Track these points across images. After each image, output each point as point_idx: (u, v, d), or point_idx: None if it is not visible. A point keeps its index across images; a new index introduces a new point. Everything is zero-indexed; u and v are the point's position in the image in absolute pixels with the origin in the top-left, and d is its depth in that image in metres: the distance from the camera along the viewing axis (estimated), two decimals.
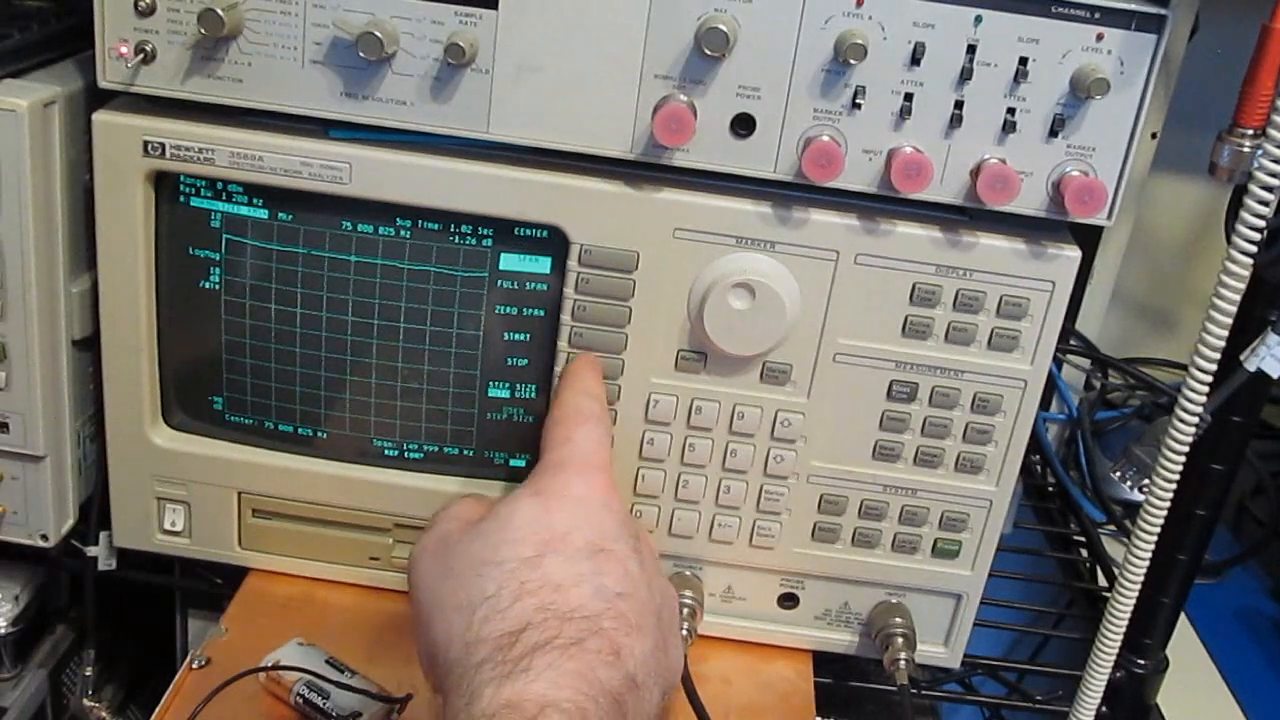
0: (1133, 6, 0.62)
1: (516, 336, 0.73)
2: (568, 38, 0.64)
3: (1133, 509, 0.91)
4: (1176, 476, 0.65)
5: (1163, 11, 0.62)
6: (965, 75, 0.63)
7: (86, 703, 0.87)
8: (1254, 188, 0.58)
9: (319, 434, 0.76)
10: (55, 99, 0.68)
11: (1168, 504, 0.66)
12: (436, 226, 0.70)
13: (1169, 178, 1.06)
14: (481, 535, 0.59)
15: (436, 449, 0.76)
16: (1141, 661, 0.81)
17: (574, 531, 0.58)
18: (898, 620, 0.76)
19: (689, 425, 0.72)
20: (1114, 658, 0.71)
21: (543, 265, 0.71)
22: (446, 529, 0.61)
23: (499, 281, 0.71)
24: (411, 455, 0.77)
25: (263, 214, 0.70)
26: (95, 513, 0.80)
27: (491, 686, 0.52)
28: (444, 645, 0.56)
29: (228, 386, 0.75)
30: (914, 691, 0.75)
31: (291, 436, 0.76)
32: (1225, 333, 0.61)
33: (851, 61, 0.63)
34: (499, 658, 0.53)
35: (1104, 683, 0.72)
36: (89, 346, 0.75)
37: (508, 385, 0.74)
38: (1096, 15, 0.62)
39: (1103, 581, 0.94)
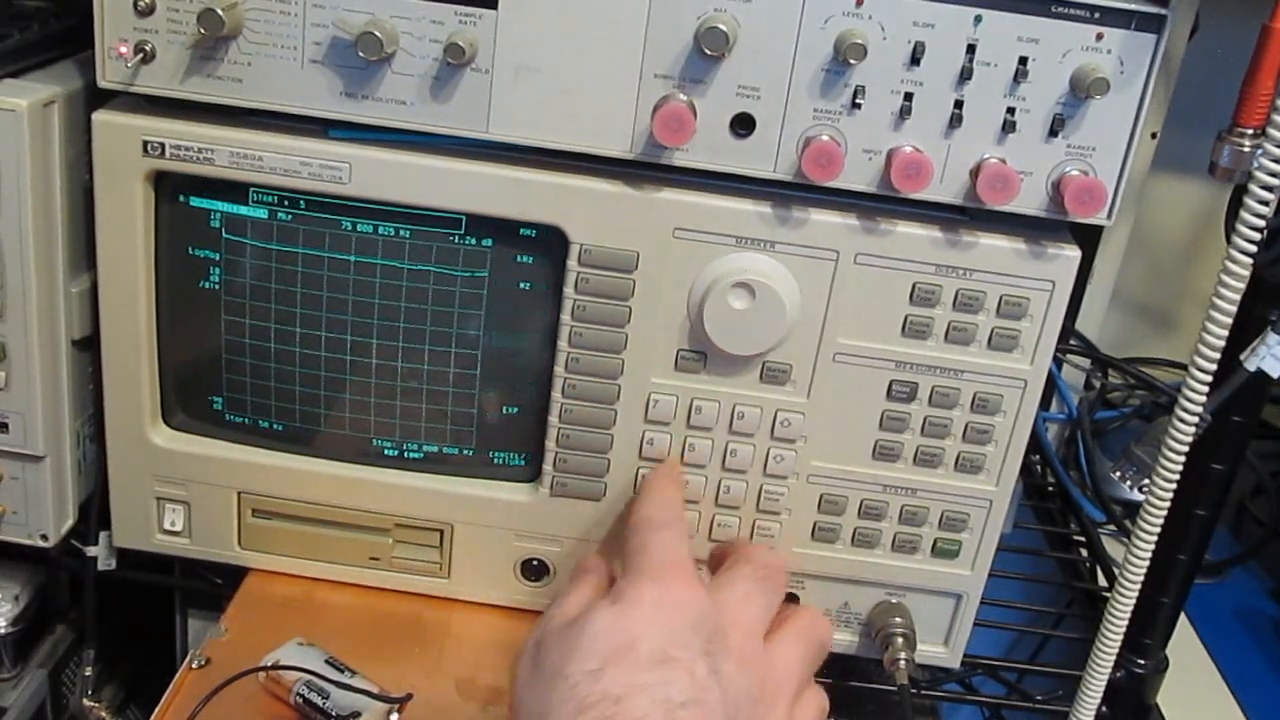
0: (1133, 6, 0.62)
1: (516, 336, 0.73)
2: (568, 38, 0.64)
3: (1133, 509, 0.91)
4: (1176, 476, 0.65)
5: (1163, 11, 0.62)
6: (965, 75, 0.63)
7: (86, 703, 0.87)
8: (1254, 188, 0.58)
9: (319, 434, 0.76)
10: (55, 99, 0.68)
11: (1168, 504, 0.66)
12: (436, 226, 0.70)
13: (1169, 178, 1.06)
14: (561, 643, 0.60)
15: (436, 449, 0.76)
16: (1141, 661, 0.81)
17: (640, 641, 0.58)
18: (898, 620, 0.76)
19: (689, 425, 0.72)
20: (1114, 658, 0.71)
21: (543, 265, 0.71)
22: (546, 628, 0.62)
23: (499, 281, 0.71)
24: (411, 455, 0.77)
25: (262, 214, 0.70)
26: (95, 513, 0.80)
27: None
28: None
29: (227, 386, 0.75)
30: (914, 691, 0.75)
31: (291, 436, 0.76)
32: (1225, 333, 0.61)
33: (851, 61, 0.63)
34: None
35: (1104, 683, 0.72)
36: (89, 346, 0.75)
37: (508, 385, 0.74)
38: (1096, 15, 0.62)
39: (1103, 581, 0.94)
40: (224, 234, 0.71)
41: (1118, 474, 0.83)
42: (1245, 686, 0.92)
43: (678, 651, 0.58)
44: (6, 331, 0.71)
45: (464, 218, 0.70)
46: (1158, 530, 0.67)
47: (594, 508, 0.75)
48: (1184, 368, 0.65)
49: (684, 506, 0.72)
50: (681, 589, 0.62)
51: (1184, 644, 0.91)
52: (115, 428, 0.76)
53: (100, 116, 0.68)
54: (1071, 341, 1.06)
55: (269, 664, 0.71)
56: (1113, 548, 0.98)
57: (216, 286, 0.72)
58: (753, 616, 0.64)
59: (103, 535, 0.80)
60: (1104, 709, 0.76)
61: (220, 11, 0.63)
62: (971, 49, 0.63)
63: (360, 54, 0.64)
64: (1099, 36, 0.62)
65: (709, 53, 0.63)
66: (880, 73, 0.64)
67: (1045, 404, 1.06)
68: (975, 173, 0.65)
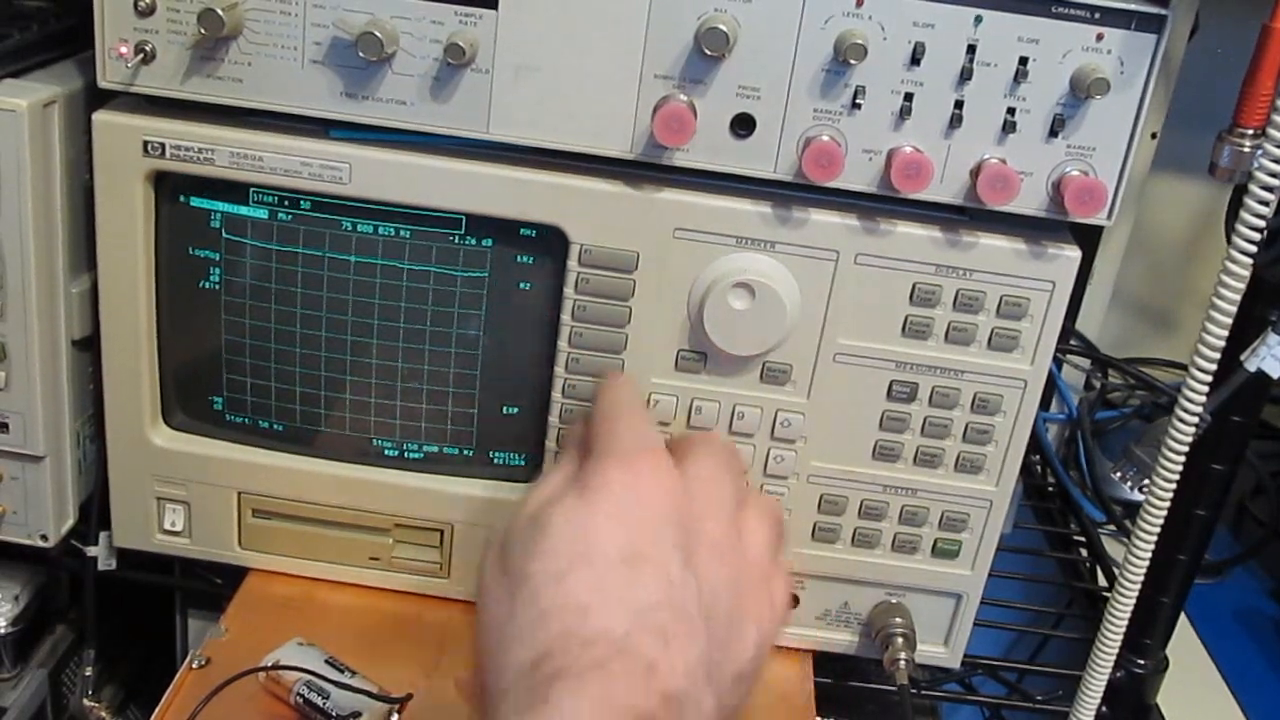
0: (1133, 6, 0.62)
1: (516, 336, 0.73)
2: (568, 38, 0.64)
3: (1133, 509, 0.91)
4: (1176, 476, 0.65)
5: (1163, 11, 0.62)
6: (965, 75, 0.63)
7: (86, 703, 0.87)
8: (1254, 188, 0.58)
9: (319, 434, 0.76)
10: (55, 99, 0.68)
11: (1168, 504, 0.66)
12: (436, 226, 0.70)
13: (1169, 178, 1.06)
14: (526, 539, 0.55)
15: (436, 449, 0.76)
16: (1141, 661, 0.81)
17: (609, 538, 0.54)
18: (898, 620, 0.76)
19: (689, 425, 0.72)
20: (1114, 658, 0.71)
21: (543, 265, 0.71)
22: (513, 521, 0.58)
23: (499, 281, 0.71)
24: (411, 455, 0.77)
25: (263, 214, 0.70)
26: (95, 513, 0.80)
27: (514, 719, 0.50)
28: (482, 667, 0.54)
29: (227, 386, 0.75)
30: (914, 691, 0.75)
31: (291, 436, 0.76)
32: (1225, 333, 0.61)
33: (851, 61, 0.63)
34: (521, 685, 0.50)
35: (1104, 683, 0.72)
36: (89, 346, 0.75)
37: (508, 385, 0.74)
38: (1096, 15, 0.62)
39: (1103, 581, 0.94)
40: (224, 234, 0.71)
41: (1118, 474, 0.83)
42: (1245, 686, 0.92)
43: (648, 548, 0.54)
44: (6, 331, 0.71)
45: (464, 218, 0.70)
46: (1158, 530, 0.67)
47: None
48: (1184, 368, 0.65)
49: (645, 402, 0.67)
50: (652, 474, 0.57)
51: (1184, 644, 0.91)
52: (115, 428, 0.76)
53: (100, 116, 0.68)
54: (1071, 341, 1.06)
55: (269, 664, 0.71)
56: (1113, 548, 0.98)
57: (216, 286, 0.72)
58: (724, 496, 0.60)
59: (103, 535, 0.80)
60: (1104, 709, 0.76)
61: (220, 11, 0.63)
62: (972, 49, 0.63)
63: (360, 54, 0.64)
64: (1099, 37, 0.62)
65: (709, 53, 0.63)
66: (880, 73, 0.64)
67: (1045, 404, 1.06)
68: (975, 173, 0.65)
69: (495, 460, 0.76)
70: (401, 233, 0.70)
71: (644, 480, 0.57)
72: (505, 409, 0.75)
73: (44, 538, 0.78)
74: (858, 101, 0.64)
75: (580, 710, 0.49)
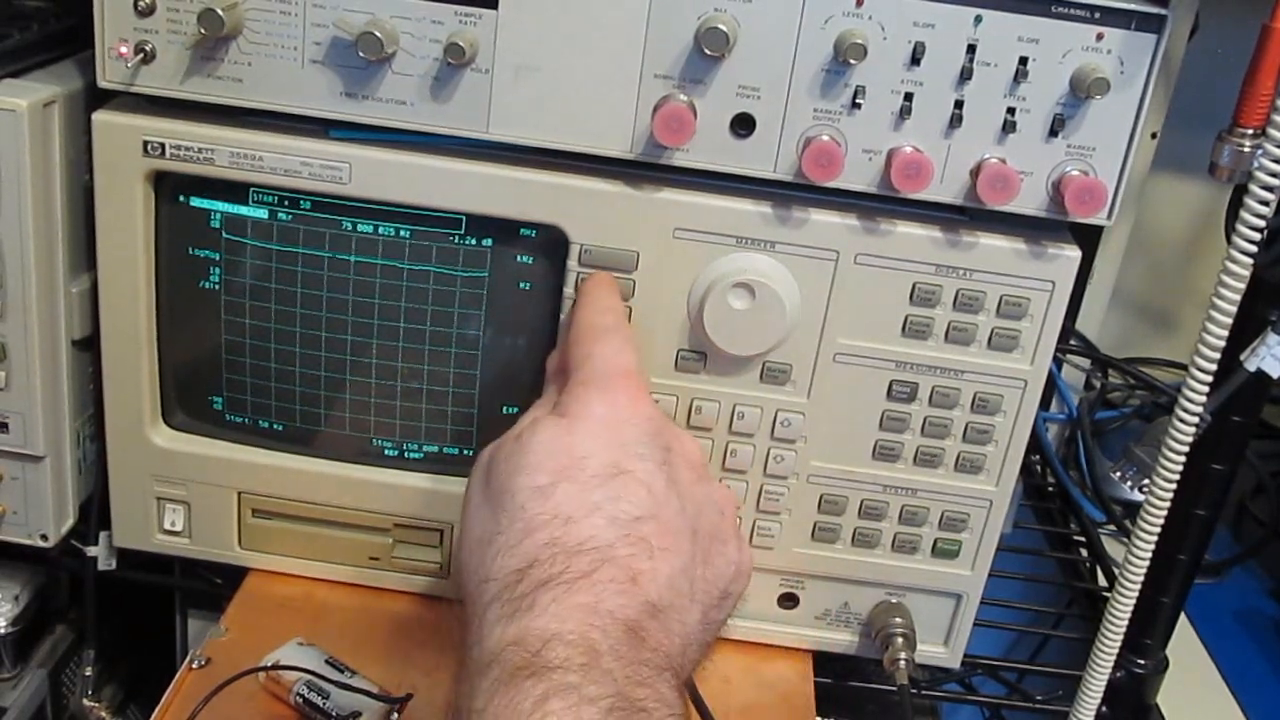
0: (1133, 6, 0.62)
1: (516, 337, 0.73)
2: (568, 38, 0.64)
3: (1133, 509, 0.91)
4: (1176, 476, 0.65)
5: (1163, 11, 0.62)
6: (965, 75, 0.63)
7: (86, 703, 0.87)
8: (1254, 188, 0.58)
9: (319, 434, 0.76)
10: (55, 99, 0.68)
11: (1168, 504, 0.66)
12: (436, 226, 0.70)
13: (1169, 178, 1.06)
14: (510, 459, 0.57)
15: (436, 449, 0.76)
16: (1141, 661, 0.81)
17: (591, 455, 0.55)
18: (898, 620, 0.76)
19: (689, 425, 0.72)
20: (1114, 658, 0.71)
21: (543, 265, 0.71)
22: (499, 442, 0.59)
23: (499, 281, 0.71)
24: (411, 455, 0.77)
25: (263, 214, 0.70)
26: (95, 513, 0.80)
27: (499, 627, 0.51)
28: (464, 576, 0.55)
29: (228, 386, 0.75)
30: (914, 691, 0.75)
31: (292, 436, 0.76)
32: (1225, 333, 0.61)
33: (851, 61, 0.63)
34: (506, 596, 0.51)
35: (1104, 683, 0.72)
36: (89, 346, 0.75)
37: (508, 385, 0.74)
38: (1096, 15, 0.62)
39: (1103, 581, 0.94)
40: (224, 234, 0.71)
41: (1118, 474, 0.83)
42: (1245, 686, 0.92)
43: (631, 464, 0.56)
44: (6, 331, 0.71)
45: (464, 218, 0.70)
46: (1158, 530, 0.67)
47: None
48: (1184, 368, 0.65)
49: (625, 312, 0.68)
50: (631, 399, 0.59)
51: (1184, 644, 0.91)
52: (115, 428, 0.76)
53: (100, 116, 0.68)
54: (1071, 341, 1.06)
55: (269, 664, 0.71)
56: (1113, 548, 0.98)
57: (216, 286, 0.72)
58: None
59: (103, 535, 0.80)
60: (1104, 709, 0.76)
61: (220, 11, 0.63)
62: (972, 49, 0.63)
63: (360, 54, 0.64)
64: (1099, 36, 0.62)
65: (709, 53, 0.63)
66: (880, 73, 0.64)
67: (1045, 404, 1.06)
68: (975, 173, 0.65)
69: None
70: (401, 233, 0.70)
71: (622, 404, 0.58)
72: (505, 409, 0.75)
73: (44, 538, 0.78)
74: (858, 101, 0.64)
75: (566, 616, 0.50)
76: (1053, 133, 0.64)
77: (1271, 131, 0.57)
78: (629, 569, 0.52)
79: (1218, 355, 0.62)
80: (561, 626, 0.50)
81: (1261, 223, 0.59)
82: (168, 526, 0.79)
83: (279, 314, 0.72)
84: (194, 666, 0.73)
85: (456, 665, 0.53)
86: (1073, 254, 0.68)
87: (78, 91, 0.70)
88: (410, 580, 0.80)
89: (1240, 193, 0.60)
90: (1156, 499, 0.66)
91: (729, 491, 0.62)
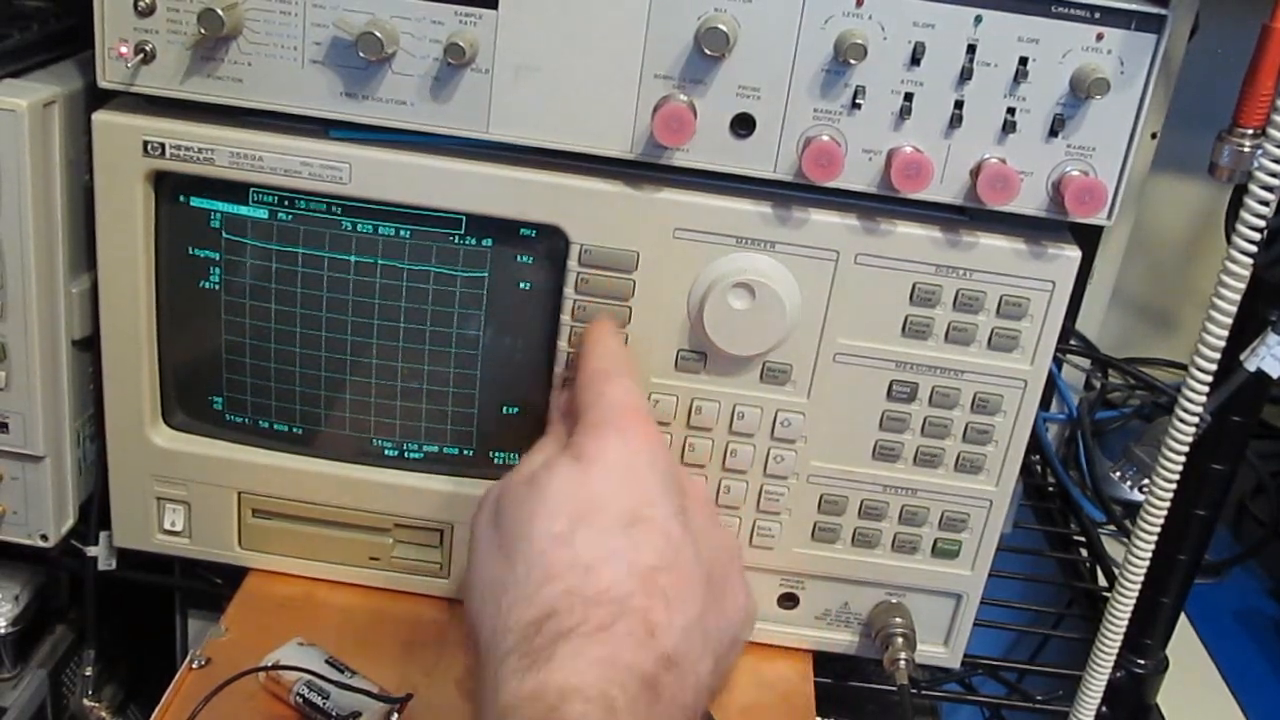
0: (1133, 6, 0.62)
1: (516, 337, 0.73)
2: (568, 38, 0.64)
3: (1133, 509, 0.91)
4: (1176, 476, 0.65)
5: (1163, 11, 0.62)
6: (965, 75, 0.63)
7: (86, 703, 0.87)
8: (1254, 188, 0.58)
9: (319, 434, 0.76)
10: (55, 99, 0.68)
11: (1168, 504, 0.66)
12: (436, 226, 0.70)
13: (1169, 178, 1.06)
14: (525, 502, 0.56)
15: (436, 449, 0.76)
16: (1141, 661, 0.81)
17: (609, 501, 0.55)
18: (898, 620, 0.76)
19: (689, 425, 0.72)
20: (1114, 658, 0.71)
21: (543, 265, 0.71)
22: (508, 484, 0.58)
23: (499, 281, 0.71)
24: (411, 455, 0.77)
25: (262, 214, 0.70)
26: (95, 513, 0.80)
27: (516, 678, 0.50)
28: (477, 627, 0.54)
29: (228, 386, 0.75)
30: (914, 691, 0.75)
31: (292, 436, 0.76)
32: (1225, 333, 0.61)
33: (851, 61, 0.63)
34: (524, 648, 0.51)
35: (1104, 683, 0.72)
36: (89, 346, 0.75)
37: (508, 385, 0.74)
38: (1096, 15, 0.62)
39: (1103, 581, 0.94)
40: (224, 234, 0.71)
41: (1118, 474, 0.83)
42: (1245, 686, 0.92)
43: (649, 510, 0.55)
44: (6, 331, 0.71)
45: (464, 218, 0.70)
46: (1158, 530, 0.67)
47: None
48: (1184, 368, 0.65)
49: (630, 356, 0.67)
50: (646, 441, 0.58)
51: (1184, 644, 0.91)
52: (115, 428, 0.76)
53: (100, 116, 0.68)
54: (1071, 341, 1.06)
55: (269, 664, 0.71)
56: (1113, 548, 0.98)
57: (216, 286, 0.72)
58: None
59: (103, 535, 0.80)
60: (1104, 709, 0.76)
61: (220, 11, 0.63)
62: (972, 49, 0.63)
63: (360, 54, 0.64)
64: (1099, 37, 0.62)
65: (709, 53, 0.63)
66: (880, 73, 0.64)
67: (1045, 404, 1.06)
68: (975, 173, 0.65)
69: (495, 460, 0.76)
70: (401, 233, 0.70)
71: (637, 446, 0.58)
72: (505, 409, 0.75)
73: (44, 538, 0.78)
74: (858, 101, 0.64)
75: (584, 670, 0.50)
76: (1053, 133, 0.64)
77: (1271, 131, 0.57)
78: (646, 621, 0.52)
79: (1218, 355, 0.62)
80: (580, 681, 0.49)
81: (1261, 223, 0.59)
82: (168, 526, 0.79)
83: (279, 314, 0.72)
84: (194, 666, 0.73)
85: (469, 716, 0.53)
86: (1073, 254, 0.68)
87: (78, 91, 0.70)
88: (410, 580, 0.80)
89: (1240, 193, 0.60)
90: (1156, 499, 0.66)
91: (735, 536, 0.61)
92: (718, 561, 0.58)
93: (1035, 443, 0.96)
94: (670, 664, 0.52)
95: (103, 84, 0.67)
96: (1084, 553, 0.98)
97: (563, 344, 0.71)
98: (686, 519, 0.56)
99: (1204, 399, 0.63)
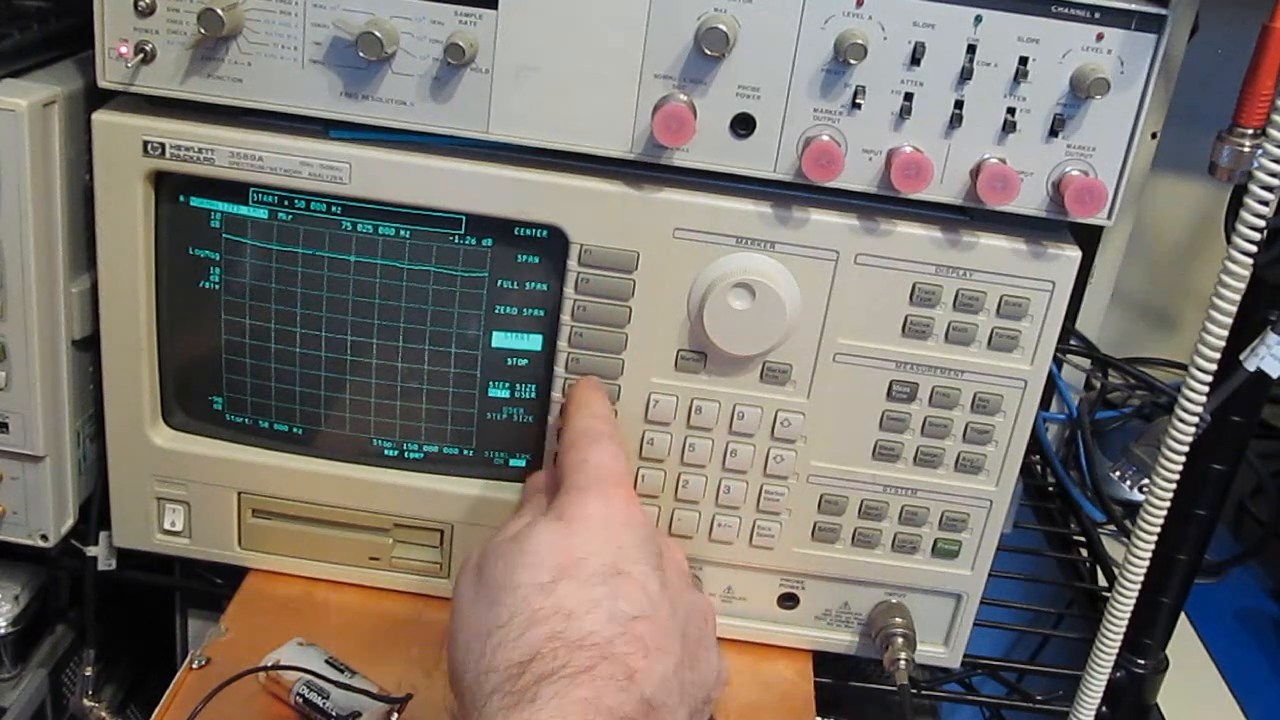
0: (1133, 6, 0.62)
1: (516, 337, 0.73)
2: (568, 38, 0.64)
3: (1133, 509, 0.91)
4: (1176, 476, 0.65)
5: (1163, 11, 0.62)
6: (965, 75, 0.63)
7: (86, 703, 0.87)
8: (1254, 188, 0.58)
9: (319, 434, 0.76)
10: (55, 99, 0.68)
11: (1168, 504, 0.66)
12: (436, 226, 0.70)
13: (1169, 178, 1.06)
14: (505, 557, 0.58)
15: (436, 449, 0.76)
16: (1141, 661, 0.81)
17: (591, 555, 0.57)
18: (898, 620, 0.76)
19: (689, 425, 0.72)
20: (1114, 658, 0.72)
21: (543, 265, 0.71)
22: (491, 543, 0.61)
23: (499, 281, 0.71)
24: (411, 455, 0.77)
25: (262, 214, 0.70)
26: (95, 513, 0.80)
27: (500, 717, 0.52)
28: (460, 670, 0.56)
29: (228, 386, 0.75)
30: (914, 691, 0.75)
31: (292, 436, 0.76)
32: (1225, 333, 0.61)
33: (851, 61, 0.63)
34: (507, 688, 0.52)
35: (1104, 683, 0.72)
36: (89, 346, 0.75)
37: (507, 385, 0.74)
38: (1096, 15, 0.62)
39: (1103, 581, 0.94)
40: (224, 234, 0.71)
41: (1118, 474, 0.83)
42: (1245, 686, 0.92)
43: (628, 566, 0.57)
44: (6, 331, 0.71)
45: (464, 218, 0.70)
46: (1158, 530, 0.67)
47: None
48: (1184, 368, 0.65)
49: (614, 417, 0.70)
50: (626, 506, 0.61)
51: (1184, 644, 0.91)
52: (115, 428, 0.76)
53: (100, 116, 0.68)
54: (1071, 341, 1.06)
55: (269, 664, 0.71)
56: (1113, 548, 0.98)
57: (216, 286, 0.72)
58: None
59: (103, 535, 0.80)
60: (1104, 709, 0.76)
61: (220, 11, 0.63)
62: (972, 49, 0.63)
63: (360, 54, 0.64)
64: (1099, 37, 0.62)
65: (709, 53, 0.63)
66: (880, 73, 0.64)
67: (1045, 404, 1.06)
68: (975, 173, 0.65)
69: (495, 460, 0.76)
70: (401, 233, 0.70)
71: (618, 508, 0.60)
72: (505, 409, 0.75)
73: (44, 537, 0.78)
74: (858, 101, 0.64)
75: (567, 710, 0.51)
76: (1053, 133, 0.64)
77: (1271, 131, 0.57)
78: (626, 666, 0.54)
79: (1218, 355, 0.62)
80: None
81: (1261, 223, 0.59)
82: (168, 526, 0.79)
83: (279, 314, 0.72)
84: (194, 666, 0.73)
85: None
86: (1073, 254, 0.68)
87: (78, 91, 0.70)
88: (410, 580, 0.80)
89: (1240, 193, 0.60)
90: (1156, 499, 0.66)
91: (709, 600, 0.64)
92: (692, 622, 0.60)
93: (1035, 443, 0.96)
94: (649, 709, 0.53)
95: (103, 84, 0.67)
96: (1084, 553, 0.98)
97: (563, 344, 0.71)
98: (664, 576, 0.59)
99: (1204, 399, 0.63)
